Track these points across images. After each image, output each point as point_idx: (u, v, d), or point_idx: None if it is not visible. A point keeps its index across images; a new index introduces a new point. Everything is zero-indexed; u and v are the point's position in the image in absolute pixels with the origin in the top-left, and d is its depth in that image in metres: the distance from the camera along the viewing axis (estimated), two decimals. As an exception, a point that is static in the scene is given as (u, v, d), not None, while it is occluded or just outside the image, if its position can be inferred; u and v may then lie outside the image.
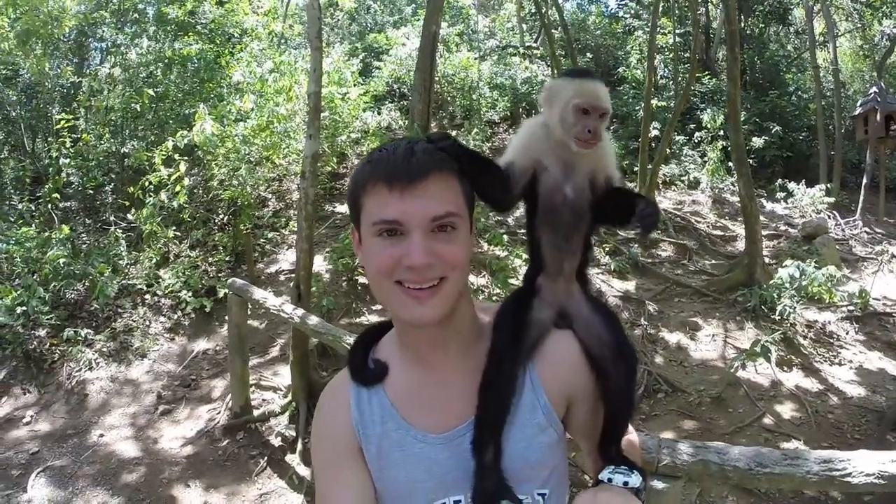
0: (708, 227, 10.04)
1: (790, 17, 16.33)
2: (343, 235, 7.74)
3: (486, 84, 13.03)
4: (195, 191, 7.97)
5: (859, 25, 17.84)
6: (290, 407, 4.98)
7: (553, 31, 12.68)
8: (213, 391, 5.59)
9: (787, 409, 5.30)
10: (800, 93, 14.49)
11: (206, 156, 7.63)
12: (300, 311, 4.15)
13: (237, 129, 7.53)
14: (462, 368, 1.07)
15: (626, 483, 1.02)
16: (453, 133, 12.67)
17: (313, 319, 3.95)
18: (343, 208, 9.61)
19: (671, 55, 13.43)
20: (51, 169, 7.65)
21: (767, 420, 5.13)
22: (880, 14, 16.47)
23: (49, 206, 7.34)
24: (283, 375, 5.58)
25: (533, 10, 14.71)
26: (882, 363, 6.39)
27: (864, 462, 1.80)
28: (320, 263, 7.32)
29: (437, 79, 13.17)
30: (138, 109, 8.15)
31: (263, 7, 9.88)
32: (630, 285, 7.82)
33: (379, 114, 10.93)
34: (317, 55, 5.02)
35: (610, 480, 1.03)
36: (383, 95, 11.82)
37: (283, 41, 11.06)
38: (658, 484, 1.84)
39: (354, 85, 9.98)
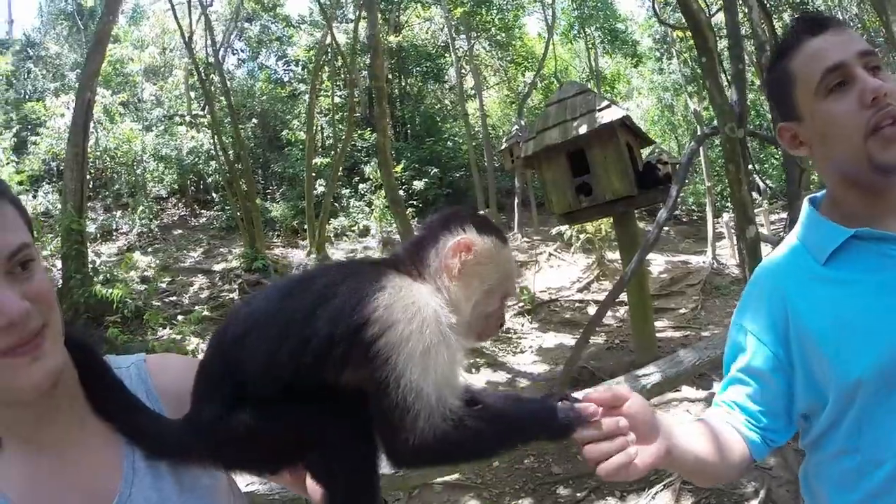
0: (379, 268, 11.05)
1: (445, 76, 18.99)
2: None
3: (152, 156, 12.55)
4: None
5: (506, 79, 21.59)
6: None
7: (222, 97, 12.79)
8: None
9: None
10: (455, 138, 16.88)
11: None
12: None
13: None
14: (85, 441, 0.87)
15: None
16: (118, 213, 11.92)
17: None
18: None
19: (336, 115, 14.56)
20: None
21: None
22: (523, 68, 20.30)
23: None
24: None
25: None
26: (558, 339, 7.83)
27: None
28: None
29: (98, 153, 12.35)
30: None
31: None
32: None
33: (35, 197, 9.85)
34: None
35: None
36: (40, 175, 10.67)
37: None
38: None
39: (7, 163, 8.89)
